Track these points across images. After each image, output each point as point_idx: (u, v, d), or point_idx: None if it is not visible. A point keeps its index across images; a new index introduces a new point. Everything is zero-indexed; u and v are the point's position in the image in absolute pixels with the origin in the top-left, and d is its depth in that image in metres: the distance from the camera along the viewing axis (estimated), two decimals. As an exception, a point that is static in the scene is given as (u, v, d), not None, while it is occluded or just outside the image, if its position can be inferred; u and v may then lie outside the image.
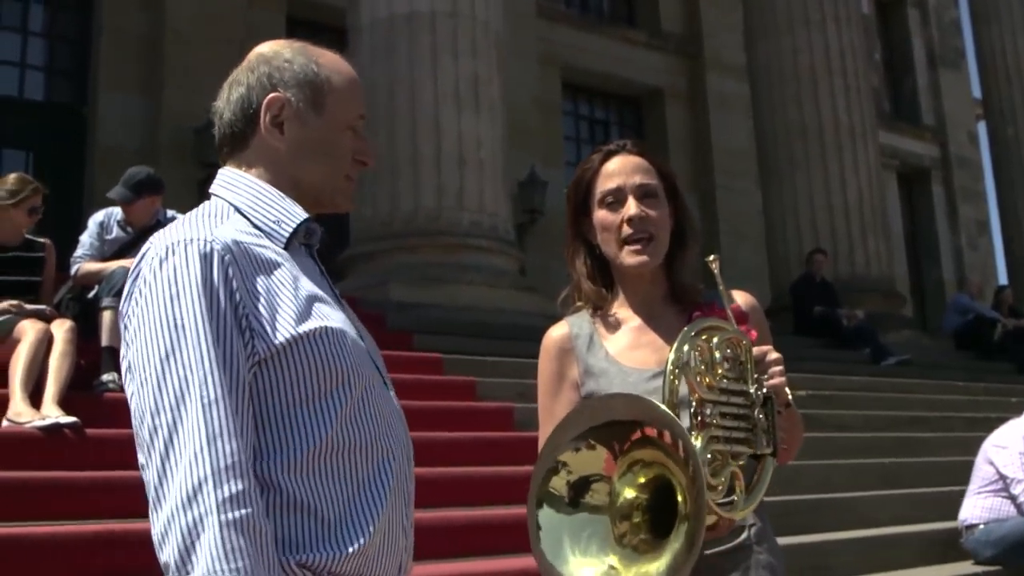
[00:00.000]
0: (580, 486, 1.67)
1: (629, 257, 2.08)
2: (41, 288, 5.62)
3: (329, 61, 1.70)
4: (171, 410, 1.41)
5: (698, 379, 1.78)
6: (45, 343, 4.92)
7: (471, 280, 8.93)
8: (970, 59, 21.33)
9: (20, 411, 4.57)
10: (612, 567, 1.62)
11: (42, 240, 5.73)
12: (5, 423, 4.58)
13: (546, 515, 1.66)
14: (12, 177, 5.63)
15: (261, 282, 1.50)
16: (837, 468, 6.92)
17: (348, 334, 1.56)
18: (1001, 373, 12.04)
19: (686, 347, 1.79)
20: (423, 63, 9.36)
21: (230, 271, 1.47)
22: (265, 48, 1.71)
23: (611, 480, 1.67)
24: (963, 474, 6.07)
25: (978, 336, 13.20)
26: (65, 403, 4.67)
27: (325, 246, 1.74)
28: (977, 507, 5.79)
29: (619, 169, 2.12)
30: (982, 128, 20.41)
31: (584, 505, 1.66)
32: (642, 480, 1.66)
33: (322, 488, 1.47)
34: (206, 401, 1.40)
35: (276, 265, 1.54)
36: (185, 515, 1.35)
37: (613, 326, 2.15)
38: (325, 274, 1.68)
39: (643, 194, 2.09)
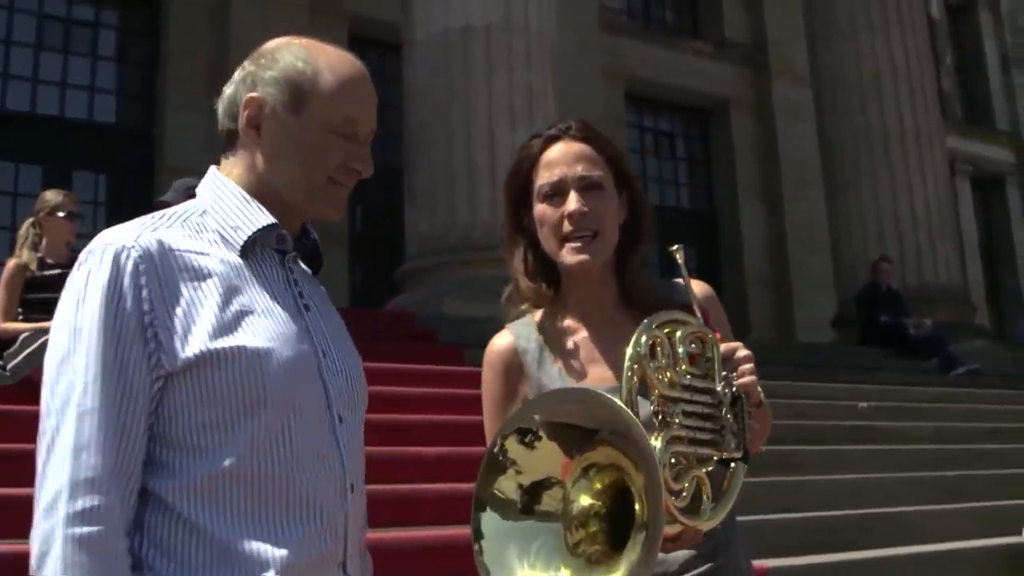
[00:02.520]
0: (532, 490, 1.53)
1: (569, 256, 1.87)
2: None
3: (327, 60, 1.58)
4: (56, 415, 1.39)
5: (658, 374, 1.62)
6: None
7: (526, 294, 8.80)
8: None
9: None
10: None
11: None
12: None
13: (490, 520, 1.51)
14: (47, 192, 6.04)
15: (185, 292, 1.44)
16: (902, 481, 6.71)
17: (276, 354, 1.45)
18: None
19: (644, 338, 1.62)
20: (477, 76, 9.34)
21: (143, 279, 1.42)
22: (267, 44, 1.65)
23: (565, 485, 1.52)
24: (1035, 487, 5.88)
25: (1053, 344, 12.87)
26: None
27: (308, 253, 1.66)
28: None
29: (560, 158, 1.89)
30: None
31: (536, 512, 1.52)
32: (598, 486, 1.51)
33: (219, 516, 1.40)
34: (82, 410, 1.37)
35: (209, 275, 1.47)
36: (44, 523, 1.35)
37: (563, 337, 1.93)
38: (294, 284, 1.58)
39: (586, 186, 1.87)
